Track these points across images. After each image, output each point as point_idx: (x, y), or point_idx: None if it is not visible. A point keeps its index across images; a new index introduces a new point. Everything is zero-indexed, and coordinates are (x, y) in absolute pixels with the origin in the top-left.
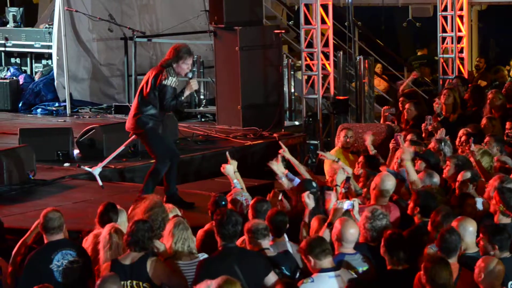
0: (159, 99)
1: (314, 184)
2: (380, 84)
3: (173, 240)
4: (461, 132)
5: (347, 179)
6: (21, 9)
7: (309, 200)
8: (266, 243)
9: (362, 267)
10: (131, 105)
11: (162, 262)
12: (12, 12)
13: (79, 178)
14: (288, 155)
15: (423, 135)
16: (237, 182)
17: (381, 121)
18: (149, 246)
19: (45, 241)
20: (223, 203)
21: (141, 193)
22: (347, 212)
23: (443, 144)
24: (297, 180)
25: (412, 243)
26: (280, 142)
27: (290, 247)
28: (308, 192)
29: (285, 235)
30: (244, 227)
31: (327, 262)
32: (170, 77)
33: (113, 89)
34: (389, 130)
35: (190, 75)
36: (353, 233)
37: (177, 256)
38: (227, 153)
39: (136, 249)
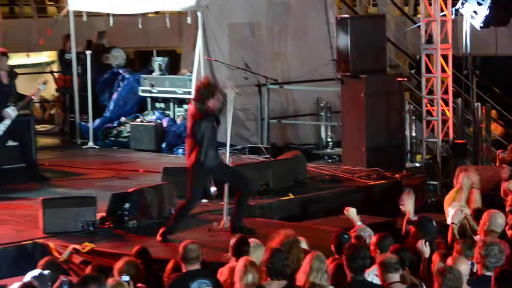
0: None
1: (434, 223)
2: (496, 129)
3: (310, 271)
4: None
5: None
6: (165, 58)
7: (425, 248)
8: (396, 276)
9: None
10: (263, 147)
11: None
12: (158, 61)
13: (214, 213)
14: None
15: None
16: (361, 223)
17: (497, 164)
18: (287, 274)
19: (183, 270)
20: (345, 236)
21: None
22: None
23: None
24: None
25: None
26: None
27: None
28: (423, 241)
29: None
30: (376, 261)
31: None
32: None
33: (248, 131)
34: None
35: None
36: (464, 269)
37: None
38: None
39: (277, 278)
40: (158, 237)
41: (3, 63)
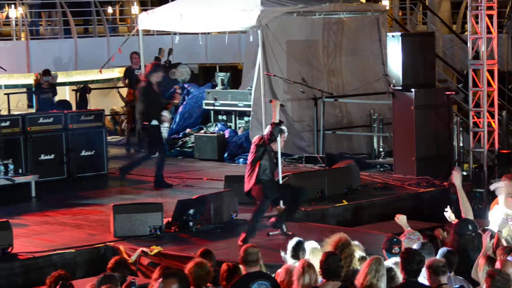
0: None
1: (470, 227)
2: None
3: (369, 272)
4: None
5: None
6: (228, 74)
7: (449, 214)
8: (444, 279)
9: None
10: (319, 156)
11: None
12: (220, 76)
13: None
14: (458, 182)
15: None
16: (410, 229)
17: None
18: (341, 275)
19: (244, 272)
20: (395, 240)
21: None
22: None
23: None
24: None
25: None
26: (454, 170)
27: (453, 280)
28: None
29: None
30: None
31: None
32: None
33: (304, 142)
34: None
35: None
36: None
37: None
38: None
39: (332, 279)
40: (239, 242)
41: (159, 76)
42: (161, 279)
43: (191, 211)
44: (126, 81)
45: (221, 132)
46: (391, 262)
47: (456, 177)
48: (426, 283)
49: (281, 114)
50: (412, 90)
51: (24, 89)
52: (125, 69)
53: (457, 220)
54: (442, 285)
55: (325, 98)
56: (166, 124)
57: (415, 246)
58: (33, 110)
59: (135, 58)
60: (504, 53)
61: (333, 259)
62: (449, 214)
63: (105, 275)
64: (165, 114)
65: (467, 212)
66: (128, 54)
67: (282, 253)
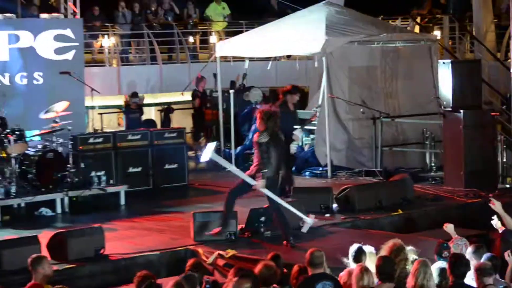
0: None
1: None
2: None
3: (418, 274)
4: None
5: None
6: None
7: (509, 258)
8: (490, 280)
9: None
10: (377, 170)
11: None
12: None
13: (337, 226)
14: (498, 208)
15: None
16: (458, 236)
17: None
18: (395, 277)
19: (309, 273)
20: (445, 245)
21: None
22: None
23: None
24: None
25: None
26: (491, 198)
27: (498, 282)
28: (508, 251)
29: None
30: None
31: None
32: None
33: (364, 157)
34: None
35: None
36: None
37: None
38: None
39: (387, 281)
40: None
41: (293, 99)
42: (237, 278)
43: (263, 219)
44: (197, 102)
45: None
46: (437, 265)
47: (496, 206)
48: (473, 284)
49: (343, 132)
50: (461, 111)
51: (116, 110)
52: (193, 93)
53: (503, 228)
54: (488, 285)
55: (383, 118)
56: (295, 142)
57: (469, 250)
58: (123, 128)
59: (201, 82)
60: None
61: (388, 263)
62: (495, 222)
63: (186, 275)
64: (296, 133)
65: (511, 225)
66: (207, 78)
67: (345, 259)
